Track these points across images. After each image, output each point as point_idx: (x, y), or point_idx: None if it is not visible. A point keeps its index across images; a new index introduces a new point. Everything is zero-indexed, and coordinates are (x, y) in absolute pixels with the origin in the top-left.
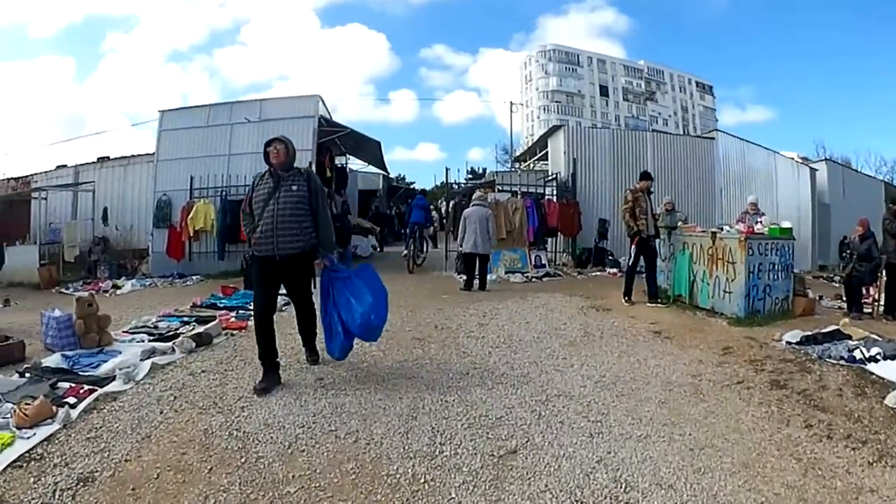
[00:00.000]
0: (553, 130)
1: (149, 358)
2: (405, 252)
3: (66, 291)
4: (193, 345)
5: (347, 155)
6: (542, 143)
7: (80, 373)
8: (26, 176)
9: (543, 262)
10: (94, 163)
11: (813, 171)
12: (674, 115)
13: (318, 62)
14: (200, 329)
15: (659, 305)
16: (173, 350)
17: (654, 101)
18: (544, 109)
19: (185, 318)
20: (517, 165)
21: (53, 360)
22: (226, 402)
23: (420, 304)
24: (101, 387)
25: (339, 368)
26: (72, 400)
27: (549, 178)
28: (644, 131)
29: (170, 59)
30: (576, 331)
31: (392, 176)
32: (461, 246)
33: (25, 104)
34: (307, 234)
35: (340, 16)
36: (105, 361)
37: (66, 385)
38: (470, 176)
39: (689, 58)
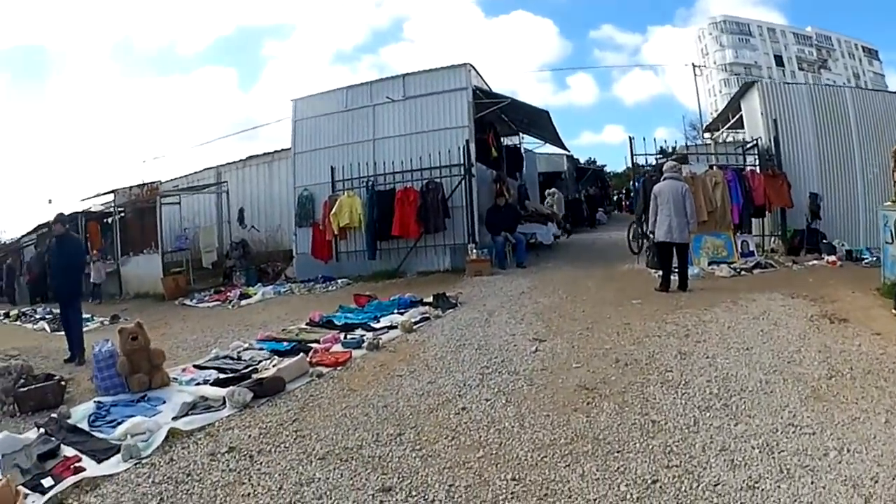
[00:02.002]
0: (746, 88)
1: (186, 414)
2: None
3: (189, 303)
4: (249, 397)
5: (521, 134)
6: (734, 105)
7: (97, 434)
8: (153, 182)
9: (752, 248)
10: (236, 162)
11: None
12: (846, 83)
13: (488, 52)
14: (271, 371)
15: None
16: (224, 403)
17: (828, 69)
18: (725, 83)
19: (286, 344)
20: (708, 136)
21: (82, 411)
22: None
23: (601, 314)
24: (98, 461)
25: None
26: (49, 482)
27: (749, 144)
28: (842, 86)
29: (336, 61)
30: (816, 366)
31: (579, 158)
32: (652, 233)
33: (190, 115)
34: None
35: (502, 5)
36: (135, 415)
37: (66, 453)
38: (659, 154)
39: (847, 20)
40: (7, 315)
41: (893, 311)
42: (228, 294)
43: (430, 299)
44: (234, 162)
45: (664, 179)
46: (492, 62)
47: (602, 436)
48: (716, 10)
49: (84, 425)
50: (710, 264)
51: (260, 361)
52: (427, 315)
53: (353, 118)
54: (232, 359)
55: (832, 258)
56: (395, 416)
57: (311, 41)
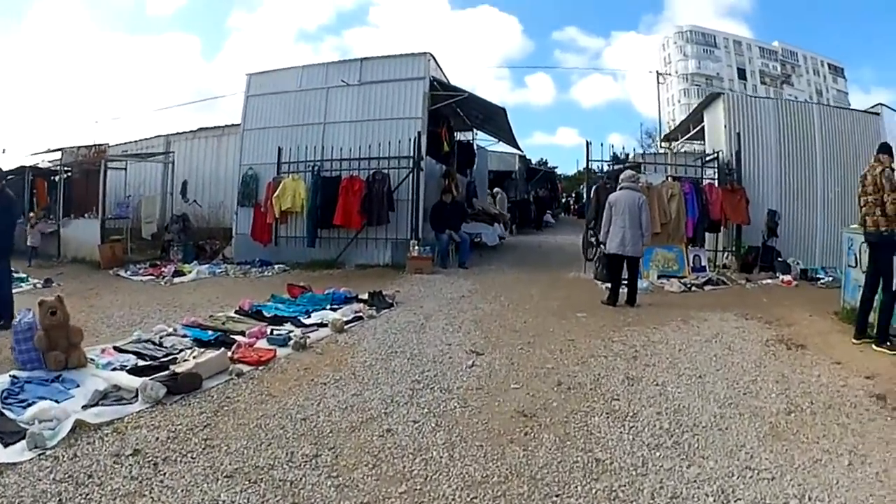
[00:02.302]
0: (711, 100)
1: (97, 404)
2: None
3: (123, 274)
4: (163, 393)
5: (475, 130)
6: (696, 116)
7: (7, 412)
8: (101, 145)
9: (703, 263)
10: (185, 133)
11: None
12: (808, 99)
13: (450, 44)
14: (188, 365)
15: (885, 351)
16: (136, 395)
17: (791, 85)
18: (685, 93)
19: (211, 334)
20: (665, 146)
21: None
22: None
23: (544, 327)
24: (5, 445)
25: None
26: None
27: (709, 157)
28: (810, 103)
29: (299, 39)
30: (774, 398)
31: (531, 159)
32: (603, 244)
33: (157, 77)
34: None
35: None
36: (47, 397)
37: None
38: (612, 161)
39: (815, 36)
40: None
41: (854, 340)
42: (163, 269)
43: (366, 296)
44: (185, 132)
45: (621, 189)
46: (453, 54)
47: (540, 475)
48: (682, 20)
49: None
50: (659, 278)
51: (181, 351)
52: (360, 314)
53: (305, 99)
54: (154, 344)
55: (787, 277)
56: (314, 433)
57: (277, 16)
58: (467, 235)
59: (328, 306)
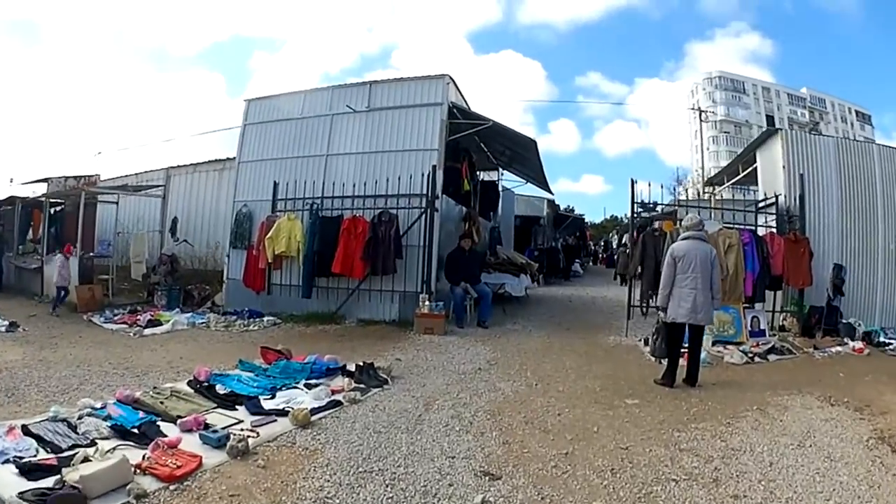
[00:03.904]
0: (766, 137)
1: None
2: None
3: (95, 320)
4: None
5: (501, 170)
6: (747, 156)
7: None
8: (90, 175)
9: (762, 326)
10: (186, 166)
11: None
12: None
13: (474, 89)
14: (86, 470)
15: None
16: None
17: (818, 133)
18: (713, 140)
19: (140, 418)
20: (709, 191)
21: None
22: None
23: (585, 424)
24: None
25: None
26: None
27: (765, 202)
28: (870, 142)
29: (322, 81)
30: None
31: (560, 204)
32: (663, 311)
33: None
34: None
35: (492, 43)
36: None
37: None
38: (640, 210)
39: (839, 82)
40: None
41: None
42: (138, 318)
43: (354, 368)
44: (184, 166)
45: (685, 238)
46: (477, 98)
47: None
48: (704, 67)
49: None
50: (714, 344)
51: (89, 443)
52: (339, 399)
53: (307, 127)
54: (69, 425)
55: (858, 344)
56: None
57: (300, 58)
58: (489, 289)
59: (303, 381)
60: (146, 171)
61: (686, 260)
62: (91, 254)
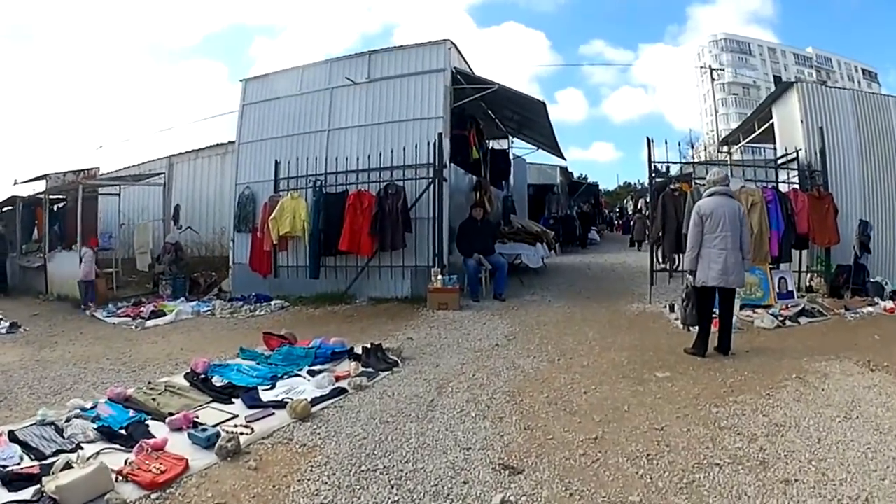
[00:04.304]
0: (782, 91)
1: None
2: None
3: (99, 315)
4: None
5: (511, 138)
6: (762, 112)
7: None
8: (90, 168)
9: (790, 287)
10: (188, 153)
11: None
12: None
13: (479, 62)
14: (60, 482)
15: None
16: None
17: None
18: (722, 103)
19: (130, 416)
20: (724, 150)
21: None
22: None
23: (614, 403)
24: None
25: None
26: None
27: (785, 158)
28: (888, 96)
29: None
30: None
31: (573, 172)
32: (692, 273)
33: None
34: None
35: (495, 15)
36: None
37: None
38: (654, 175)
39: (843, 41)
40: None
41: None
42: (141, 309)
43: (361, 350)
44: (186, 153)
45: (710, 195)
46: (482, 70)
47: None
48: (707, 30)
49: None
50: (741, 308)
51: (75, 448)
52: (344, 387)
53: (306, 103)
54: (56, 428)
55: (889, 304)
56: None
57: (301, 42)
58: (503, 260)
59: (306, 367)
60: (148, 161)
61: (714, 218)
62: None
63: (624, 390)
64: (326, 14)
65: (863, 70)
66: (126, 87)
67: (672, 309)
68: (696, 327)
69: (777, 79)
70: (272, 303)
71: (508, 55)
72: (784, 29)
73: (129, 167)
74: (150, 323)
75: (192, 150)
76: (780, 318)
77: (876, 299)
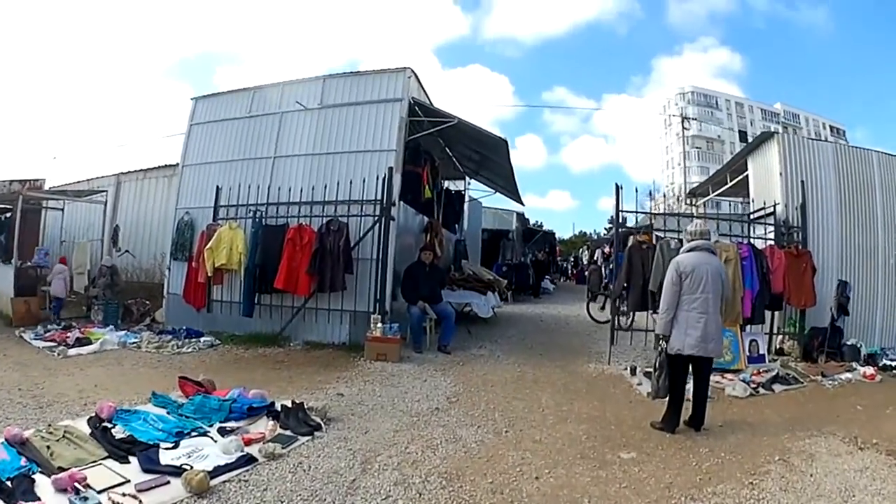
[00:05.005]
0: (760, 142)
1: None
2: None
3: (26, 337)
4: None
5: (468, 179)
6: (736, 164)
7: None
8: (35, 180)
9: (762, 350)
10: (136, 172)
11: None
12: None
13: (442, 100)
14: None
15: None
16: None
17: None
18: (686, 156)
19: (24, 463)
20: (692, 202)
21: None
22: None
23: (573, 495)
24: None
25: None
26: None
27: (760, 212)
28: (869, 150)
29: None
30: None
31: (529, 218)
32: (665, 339)
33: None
34: None
35: (460, 56)
36: None
37: None
38: (609, 226)
39: (810, 97)
40: None
41: None
42: (67, 335)
43: (281, 408)
44: (135, 171)
45: (691, 249)
46: (443, 107)
47: None
48: (671, 82)
49: None
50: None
51: None
52: (254, 454)
53: (254, 126)
54: None
55: (868, 370)
56: None
57: (264, 74)
58: (451, 309)
59: (218, 423)
60: (97, 178)
61: (695, 277)
62: (28, 263)
63: (583, 475)
64: (292, 47)
65: (830, 126)
66: (89, 102)
67: (633, 372)
68: (657, 394)
69: (742, 133)
70: (202, 339)
71: (471, 97)
72: (752, 84)
73: (77, 182)
74: (72, 351)
75: (141, 170)
76: (753, 385)
77: (853, 364)
